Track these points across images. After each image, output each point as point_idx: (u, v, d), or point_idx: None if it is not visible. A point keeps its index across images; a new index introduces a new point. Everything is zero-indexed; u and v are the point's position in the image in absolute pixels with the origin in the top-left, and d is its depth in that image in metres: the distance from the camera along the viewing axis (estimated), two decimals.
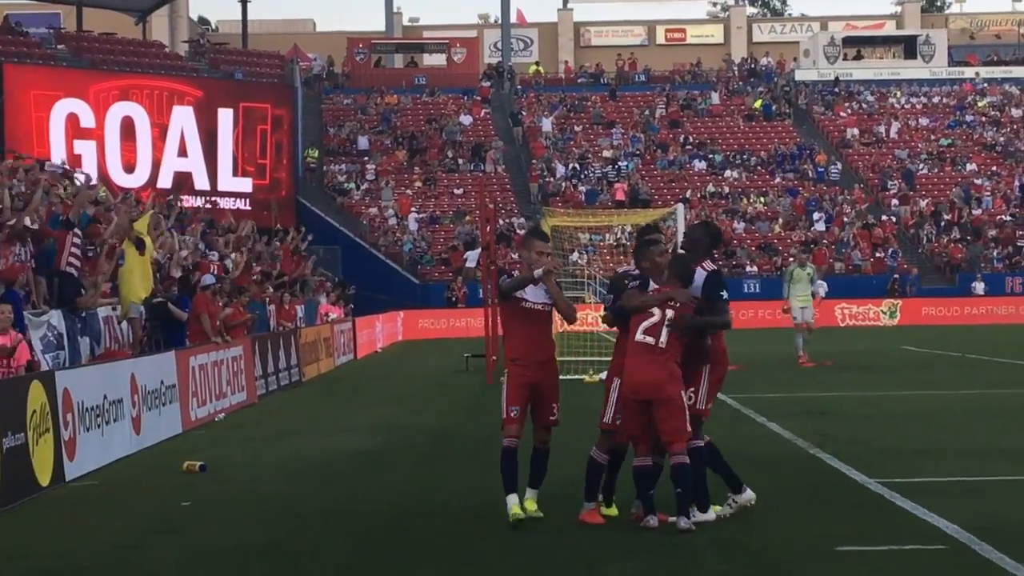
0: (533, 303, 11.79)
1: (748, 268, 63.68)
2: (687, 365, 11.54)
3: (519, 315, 11.82)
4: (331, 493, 14.12)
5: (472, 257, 60.89)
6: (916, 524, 11.46)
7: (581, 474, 11.97)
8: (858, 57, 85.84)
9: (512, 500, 11.66)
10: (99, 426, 16.40)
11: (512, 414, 11.75)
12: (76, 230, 21.92)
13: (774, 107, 78.99)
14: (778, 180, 71.64)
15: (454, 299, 59.10)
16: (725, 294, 11.67)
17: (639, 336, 11.35)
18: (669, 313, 11.30)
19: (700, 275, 11.65)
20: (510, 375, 11.80)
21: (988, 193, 70.19)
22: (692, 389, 11.62)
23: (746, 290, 61.62)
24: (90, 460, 15.97)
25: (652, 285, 11.51)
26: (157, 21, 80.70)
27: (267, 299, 33.86)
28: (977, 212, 68.13)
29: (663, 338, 11.29)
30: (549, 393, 11.85)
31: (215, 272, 28.07)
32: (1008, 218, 67.85)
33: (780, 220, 67.91)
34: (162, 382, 19.62)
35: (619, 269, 12.53)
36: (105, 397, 16.73)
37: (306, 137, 69.71)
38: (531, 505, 11.88)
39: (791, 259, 33.42)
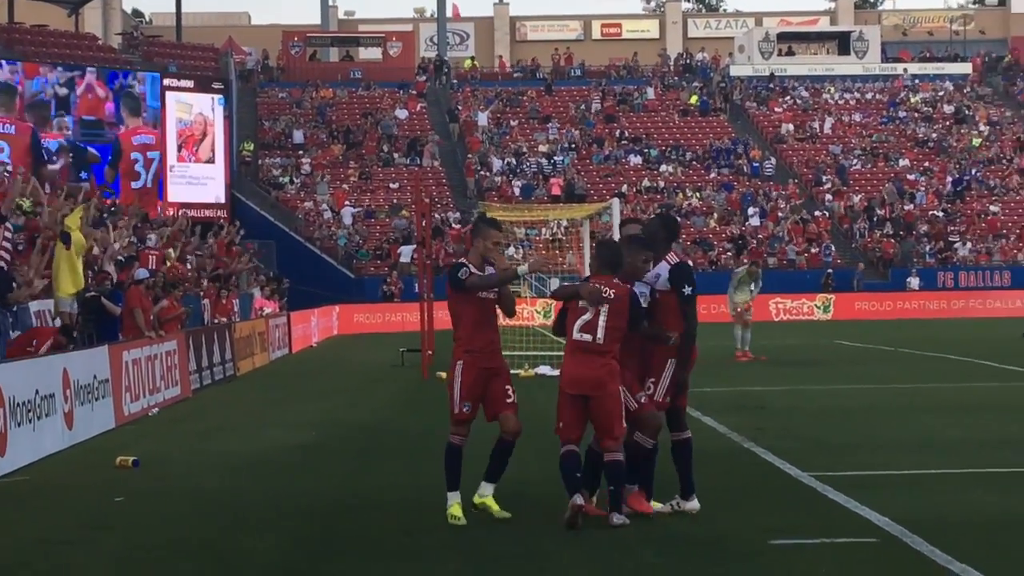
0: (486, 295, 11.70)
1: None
2: (653, 356, 11.54)
3: (475, 305, 11.64)
4: (266, 488, 14.06)
5: (406, 252, 60.90)
6: (849, 517, 11.53)
7: (520, 469, 11.96)
8: (790, 53, 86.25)
9: (455, 499, 11.61)
10: (30, 421, 16.25)
11: (465, 410, 11.62)
12: (7, 224, 21.73)
13: (709, 102, 79.29)
14: (713, 175, 71.91)
15: (390, 293, 59.00)
16: (689, 288, 11.57)
17: (576, 334, 11.31)
18: (604, 307, 11.27)
19: (664, 268, 11.61)
20: (466, 367, 11.61)
21: (920, 189, 70.71)
22: (652, 379, 11.58)
23: None
24: (21, 456, 15.83)
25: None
26: (90, 13, 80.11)
27: (202, 293, 33.73)
28: (909, 207, 68.62)
29: (600, 335, 11.28)
30: (506, 378, 11.73)
31: (152, 266, 27.94)
32: (940, 213, 68.39)
33: (715, 215, 68.20)
34: (95, 377, 19.48)
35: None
36: (37, 392, 16.59)
37: (241, 131, 69.38)
38: (494, 504, 11.71)
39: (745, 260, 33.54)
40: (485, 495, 11.78)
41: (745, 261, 33.61)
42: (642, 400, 11.50)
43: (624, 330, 11.29)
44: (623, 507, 11.31)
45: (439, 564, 10.23)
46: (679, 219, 66.18)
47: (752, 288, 32.97)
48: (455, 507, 11.55)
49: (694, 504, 11.73)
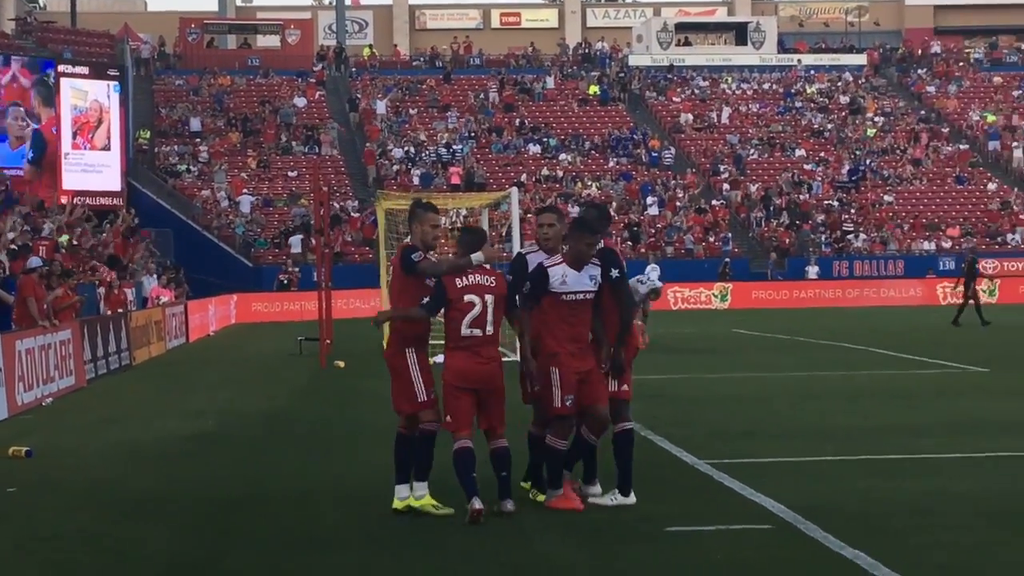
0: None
1: None
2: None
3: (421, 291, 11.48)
4: (162, 478, 13.95)
5: (295, 242, 60.74)
6: (744, 504, 11.62)
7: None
8: (688, 43, 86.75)
9: (408, 490, 11.49)
10: None
11: (432, 397, 11.44)
12: None
13: (608, 92, 79.57)
14: (612, 164, 72.17)
15: (286, 282, 58.71)
16: (616, 271, 11.55)
17: (465, 330, 11.15)
18: (490, 299, 11.21)
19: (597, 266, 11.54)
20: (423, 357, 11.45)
21: (816, 179, 71.38)
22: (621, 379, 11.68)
23: None
24: None
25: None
26: None
27: (97, 282, 33.40)
28: (805, 197, 69.25)
29: (489, 328, 11.26)
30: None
31: (44, 255, 27.65)
32: (835, 203, 69.06)
33: (614, 204, 68.41)
34: None
35: (522, 250, 12.21)
36: None
37: (137, 118, 68.75)
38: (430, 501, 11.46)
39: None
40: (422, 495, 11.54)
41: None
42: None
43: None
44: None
45: (333, 554, 10.20)
46: (577, 208, 66.47)
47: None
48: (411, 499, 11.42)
49: (631, 499, 11.70)
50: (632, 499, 11.59)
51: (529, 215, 63.58)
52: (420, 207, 11.73)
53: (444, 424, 11.26)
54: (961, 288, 41.92)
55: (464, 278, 11.20)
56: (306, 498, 12.46)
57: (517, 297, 11.44)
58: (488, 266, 11.34)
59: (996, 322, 40.36)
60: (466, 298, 11.14)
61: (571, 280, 11.34)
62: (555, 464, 11.47)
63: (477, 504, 10.91)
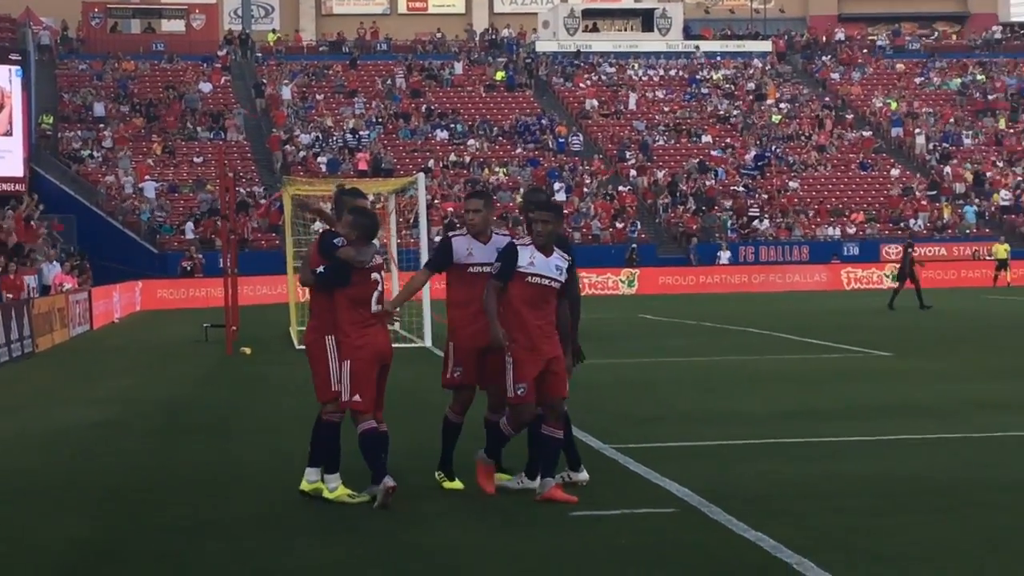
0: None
1: None
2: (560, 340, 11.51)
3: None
4: (64, 467, 13.83)
5: (189, 228, 60.48)
6: (649, 488, 11.68)
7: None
8: (595, 29, 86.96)
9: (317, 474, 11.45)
10: None
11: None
12: None
13: (515, 78, 79.62)
14: (519, 150, 72.23)
15: (189, 268, 58.31)
16: (570, 263, 11.58)
17: (375, 307, 11.20)
18: (383, 275, 11.25)
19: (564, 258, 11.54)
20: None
21: (722, 165, 71.78)
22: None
23: None
24: None
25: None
26: None
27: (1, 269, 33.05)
28: (711, 183, 69.64)
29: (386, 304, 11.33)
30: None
31: None
32: (741, 189, 69.50)
33: (522, 190, 68.45)
34: None
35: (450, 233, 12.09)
36: None
37: (40, 103, 67.98)
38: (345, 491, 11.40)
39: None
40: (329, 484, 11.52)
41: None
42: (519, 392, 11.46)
43: None
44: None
45: (240, 540, 10.16)
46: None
47: None
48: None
49: (583, 475, 11.75)
50: (585, 475, 11.75)
51: (436, 201, 63.67)
52: (347, 194, 11.86)
53: (353, 404, 11.15)
54: (900, 272, 42.60)
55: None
56: (210, 485, 12.40)
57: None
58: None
59: (900, 307, 40.80)
60: (372, 276, 11.24)
61: (539, 263, 11.27)
62: (550, 453, 11.30)
63: (391, 481, 10.95)
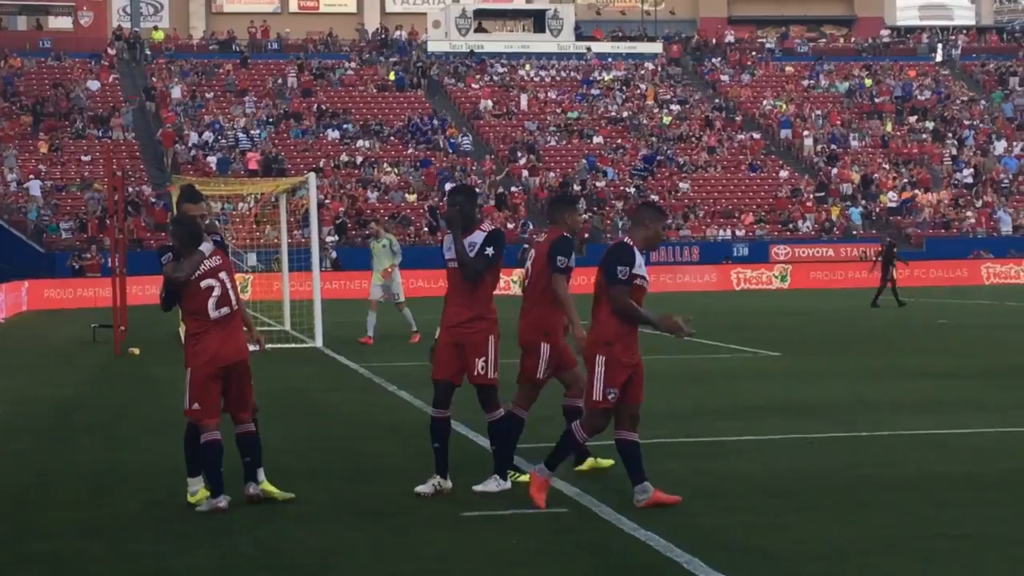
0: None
1: None
2: (478, 334, 11.35)
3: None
4: None
5: (67, 228, 60.04)
6: None
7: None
8: (481, 30, 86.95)
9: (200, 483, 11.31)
10: None
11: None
12: None
13: (407, 78, 79.48)
14: (411, 151, 72.11)
15: (77, 268, 57.67)
16: (491, 251, 11.60)
17: (213, 312, 10.99)
18: (224, 276, 11.06)
19: (480, 235, 11.56)
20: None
21: (613, 166, 72.04)
22: (483, 359, 11.55)
23: None
24: None
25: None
26: None
27: None
28: (602, 184, 69.88)
29: (235, 304, 11.11)
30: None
31: None
32: (632, 190, 69.81)
33: (413, 190, 68.40)
34: None
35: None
36: None
37: None
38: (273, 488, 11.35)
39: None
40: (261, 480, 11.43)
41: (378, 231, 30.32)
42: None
43: None
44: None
45: (125, 542, 10.02)
46: (376, 194, 66.34)
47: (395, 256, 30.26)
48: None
49: (506, 485, 11.62)
50: (508, 484, 11.57)
51: (327, 201, 63.38)
52: (183, 198, 11.80)
53: (192, 412, 11.04)
54: (878, 272, 42.99)
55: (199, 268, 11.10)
56: (98, 487, 12.25)
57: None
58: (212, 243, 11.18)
59: (789, 308, 41.17)
60: (203, 284, 11.02)
61: (643, 265, 11.27)
62: (635, 457, 11.04)
63: (223, 503, 10.85)
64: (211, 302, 11.02)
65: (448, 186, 67.07)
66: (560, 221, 12.32)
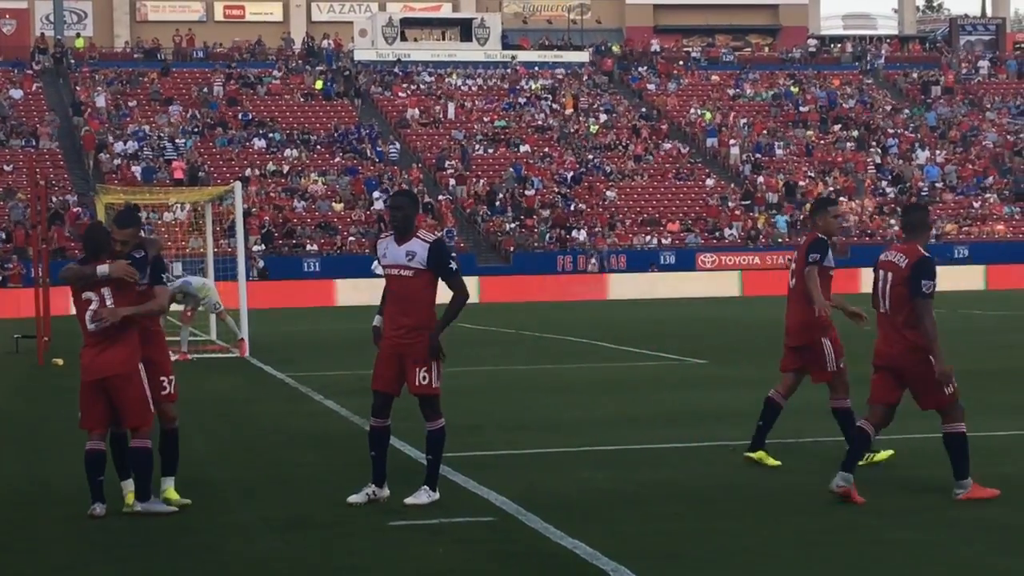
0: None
1: (309, 247, 63.79)
2: (420, 344, 11.20)
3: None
4: None
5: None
6: (467, 497, 11.68)
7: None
8: (412, 39, 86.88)
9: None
10: None
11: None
12: None
13: (333, 87, 79.32)
14: (338, 159, 71.96)
15: (3, 278, 57.15)
16: (454, 264, 11.34)
17: (90, 326, 10.98)
18: (106, 291, 10.99)
19: (423, 246, 11.24)
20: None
21: (539, 175, 72.08)
22: (425, 369, 11.29)
23: (307, 269, 61.80)
24: None
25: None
26: None
27: None
28: (529, 193, 69.94)
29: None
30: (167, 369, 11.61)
31: None
32: (559, 199, 69.89)
33: (340, 199, 68.26)
34: None
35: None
36: None
37: None
38: (173, 493, 11.41)
39: None
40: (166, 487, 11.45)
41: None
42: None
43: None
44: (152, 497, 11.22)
45: (50, 557, 9.94)
46: (303, 203, 66.14)
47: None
48: None
49: (385, 492, 11.53)
50: (438, 495, 11.44)
51: (254, 210, 63.12)
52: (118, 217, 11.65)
53: (80, 423, 11.18)
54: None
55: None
56: (21, 500, 12.14)
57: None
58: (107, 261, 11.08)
59: (715, 316, 41.34)
60: (83, 296, 11.05)
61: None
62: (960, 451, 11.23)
63: (99, 510, 10.97)
64: (88, 315, 11.03)
65: (376, 193, 67.18)
66: (816, 223, 13.25)
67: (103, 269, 10.95)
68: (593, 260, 65.27)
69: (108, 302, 10.97)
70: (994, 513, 10.68)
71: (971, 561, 9.25)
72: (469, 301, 11.64)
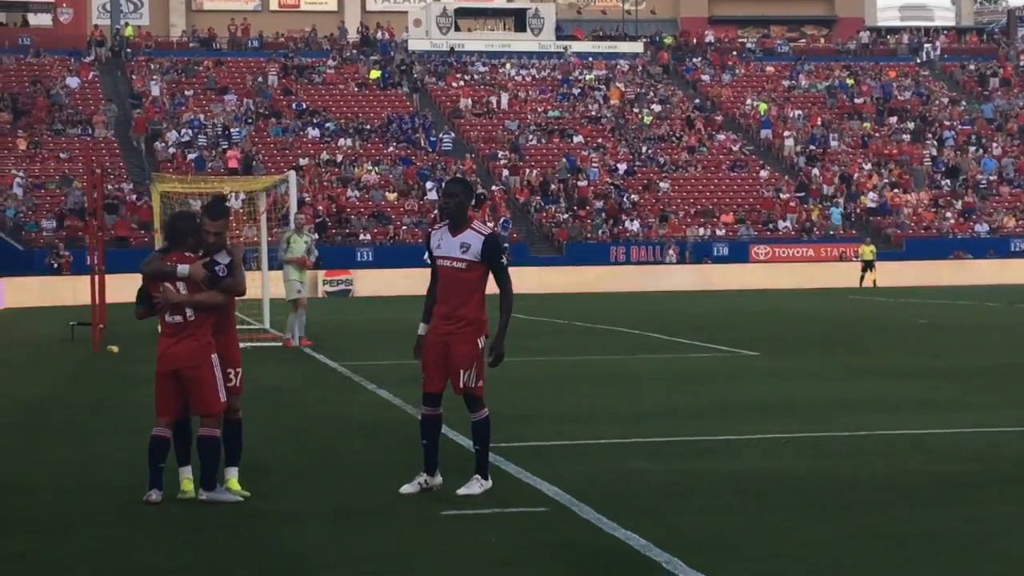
0: None
1: (362, 236, 63.93)
2: (468, 340, 11.18)
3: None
4: None
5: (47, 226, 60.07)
6: (520, 488, 11.66)
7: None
8: (466, 29, 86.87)
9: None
10: None
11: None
12: None
13: (388, 76, 79.42)
14: (391, 149, 72.08)
15: (56, 266, 57.58)
16: (505, 259, 11.32)
17: (168, 318, 11.15)
18: (181, 286, 11.09)
19: (478, 239, 11.17)
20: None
21: (594, 165, 72.07)
22: (468, 371, 11.23)
23: (359, 259, 61.92)
24: None
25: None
26: None
27: None
28: (583, 184, 69.90)
29: (190, 315, 11.12)
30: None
31: None
32: (613, 189, 69.85)
33: (393, 189, 68.38)
34: None
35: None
36: None
37: None
38: (235, 484, 11.39)
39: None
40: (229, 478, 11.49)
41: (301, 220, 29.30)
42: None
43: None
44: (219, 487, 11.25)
45: (102, 541, 10.00)
46: (357, 192, 66.24)
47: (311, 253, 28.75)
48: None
49: (438, 480, 11.52)
50: (490, 483, 11.42)
51: (307, 198, 63.29)
52: (208, 209, 11.77)
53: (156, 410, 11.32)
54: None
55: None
56: (74, 486, 12.21)
57: None
58: (190, 252, 11.19)
59: (768, 308, 41.21)
60: (161, 288, 11.14)
61: None
62: None
63: (155, 496, 11.04)
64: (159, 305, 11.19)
65: (430, 183, 67.25)
66: None
67: (183, 270, 11.08)
68: (671, 251, 65.27)
69: (183, 294, 11.10)
70: None
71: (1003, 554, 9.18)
72: (523, 291, 11.63)
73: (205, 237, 11.25)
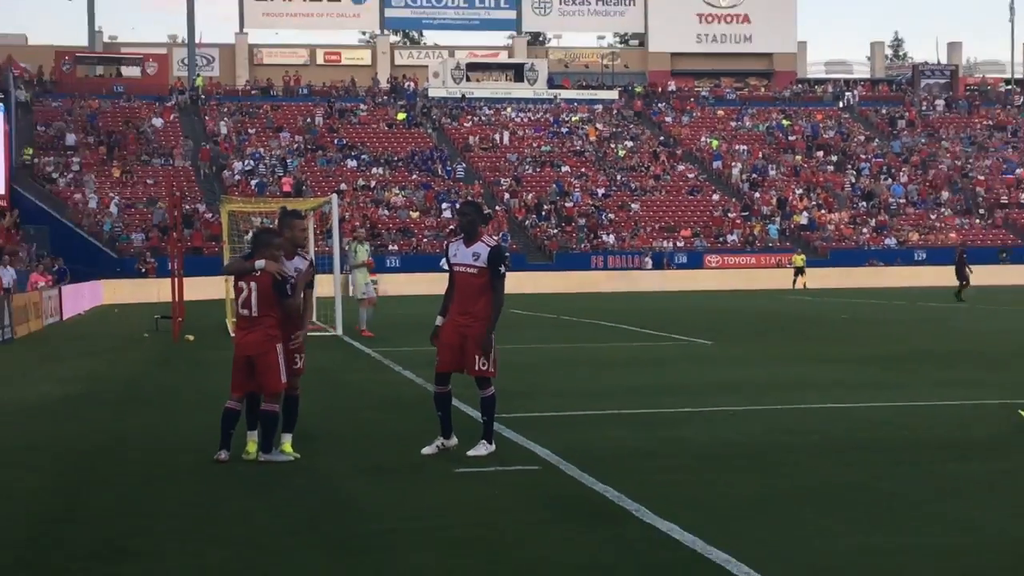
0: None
1: (391, 247, 63.93)
2: (479, 332, 11.05)
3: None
4: (34, 432, 13.53)
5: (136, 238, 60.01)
6: (518, 450, 11.63)
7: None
8: (468, 79, 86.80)
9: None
10: None
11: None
12: None
13: (412, 118, 79.36)
14: (415, 176, 72.00)
15: (144, 271, 57.59)
16: (503, 268, 11.17)
17: (241, 310, 11.13)
18: (254, 285, 11.04)
19: (485, 249, 11.10)
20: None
21: (577, 190, 72.01)
22: (482, 357, 11.07)
23: (388, 265, 61.89)
24: None
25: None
26: None
27: None
28: (569, 205, 69.87)
29: (255, 310, 11.06)
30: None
31: None
32: (593, 209, 69.79)
33: (416, 209, 68.34)
34: None
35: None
36: None
37: (19, 135, 66.68)
38: (288, 447, 11.31)
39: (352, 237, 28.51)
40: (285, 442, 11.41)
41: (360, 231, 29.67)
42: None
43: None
44: (274, 450, 11.18)
45: (185, 492, 9.97)
46: (386, 211, 66.12)
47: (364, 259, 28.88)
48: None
49: (453, 441, 11.43)
50: (494, 447, 11.36)
51: (347, 216, 63.22)
52: (288, 215, 11.66)
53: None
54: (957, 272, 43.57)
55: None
56: (158, 448, 12.18)
57: None
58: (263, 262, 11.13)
59: (719, 306, 41.11)
60: (239, 284, 11.19)
61: None
62: None
63: (224, 455, 11.04)
64: (239, 300, 11.14)
65: (445, 204, 67.16)
66: None
67: (260, 263, 11.08)
68: (648, 259, 65.22)
69: (255, 293, 11.03)
70: None
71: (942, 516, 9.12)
72: (521, 292, 11.60)
73: (300, 237, 11.39)
